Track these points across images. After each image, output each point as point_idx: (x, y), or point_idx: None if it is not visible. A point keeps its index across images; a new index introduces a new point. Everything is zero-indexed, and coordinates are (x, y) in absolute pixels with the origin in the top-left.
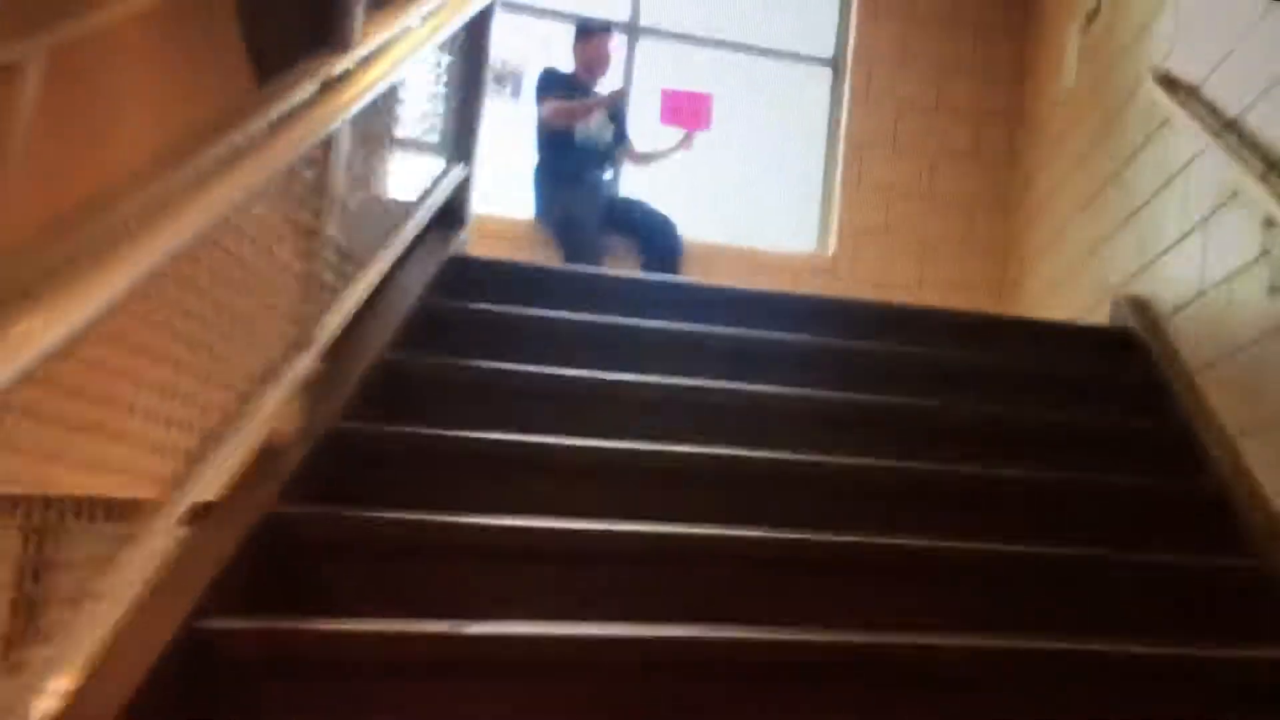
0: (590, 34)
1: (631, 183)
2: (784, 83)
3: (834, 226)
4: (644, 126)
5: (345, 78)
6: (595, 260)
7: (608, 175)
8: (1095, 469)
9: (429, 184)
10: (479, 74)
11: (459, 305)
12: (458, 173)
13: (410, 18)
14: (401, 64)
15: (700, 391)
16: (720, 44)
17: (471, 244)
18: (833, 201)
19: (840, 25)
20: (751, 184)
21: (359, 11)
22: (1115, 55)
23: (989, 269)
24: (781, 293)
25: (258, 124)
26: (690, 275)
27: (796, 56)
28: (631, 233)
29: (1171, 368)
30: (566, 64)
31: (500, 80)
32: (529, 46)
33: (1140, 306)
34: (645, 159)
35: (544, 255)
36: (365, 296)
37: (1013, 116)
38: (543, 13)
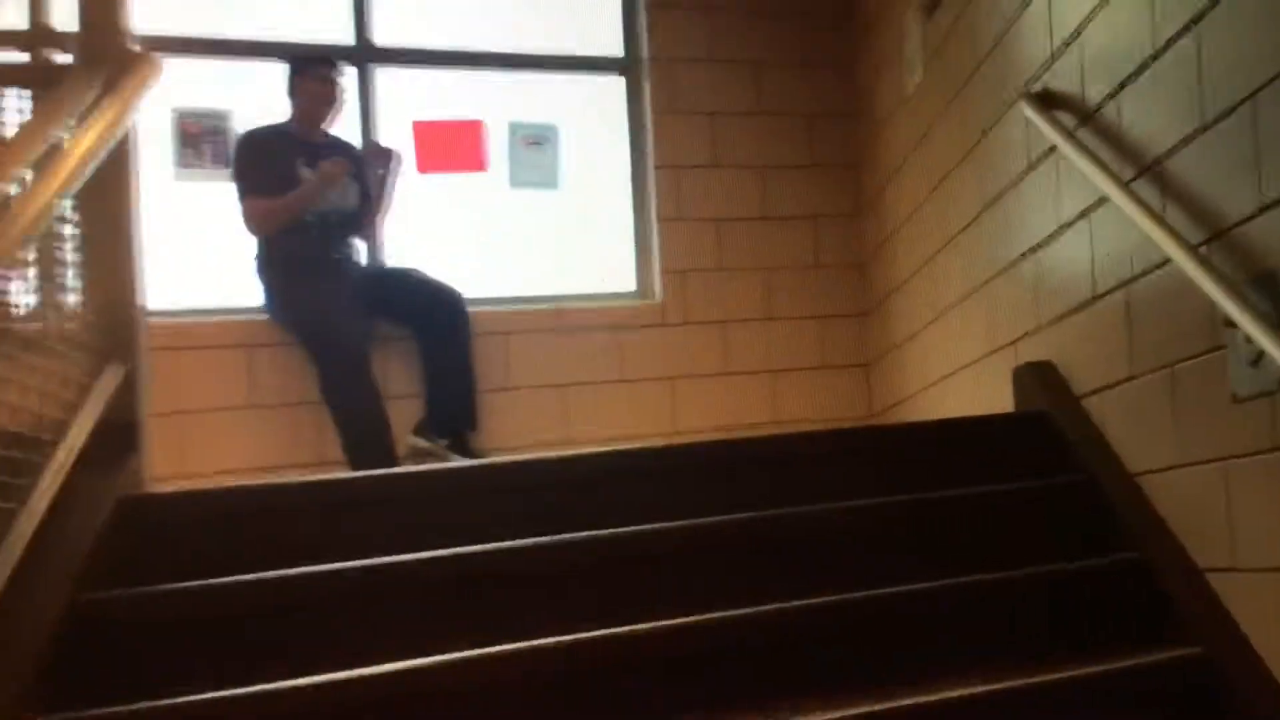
0: (304, 72)
1: (399, 248)
2: (570, 99)
3: (655, 264)
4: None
5: None
6: (357, 359)
7: (355, 247)
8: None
9: (67, 405)
10: (124, 224)
11: (130, 596)
12: (113, 375)
13: None
14: None
15: None
16: (478, 58)
17: (186, 358)
18: (650, 235)
19: (627, 20)
20: (549, 224)
21: None
22: (971, 58)
23: (844, 294)
24: (591, 455)
25: None
26: (489, 351)
27: (577, 62)
28: (404, 313)
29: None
30: (282, 114)
31: (197, 142)
32: (236, 91)
33: (1050, 379)
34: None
35: (286, 358)
36: None
37: (849, 115)
38: (237, 48)
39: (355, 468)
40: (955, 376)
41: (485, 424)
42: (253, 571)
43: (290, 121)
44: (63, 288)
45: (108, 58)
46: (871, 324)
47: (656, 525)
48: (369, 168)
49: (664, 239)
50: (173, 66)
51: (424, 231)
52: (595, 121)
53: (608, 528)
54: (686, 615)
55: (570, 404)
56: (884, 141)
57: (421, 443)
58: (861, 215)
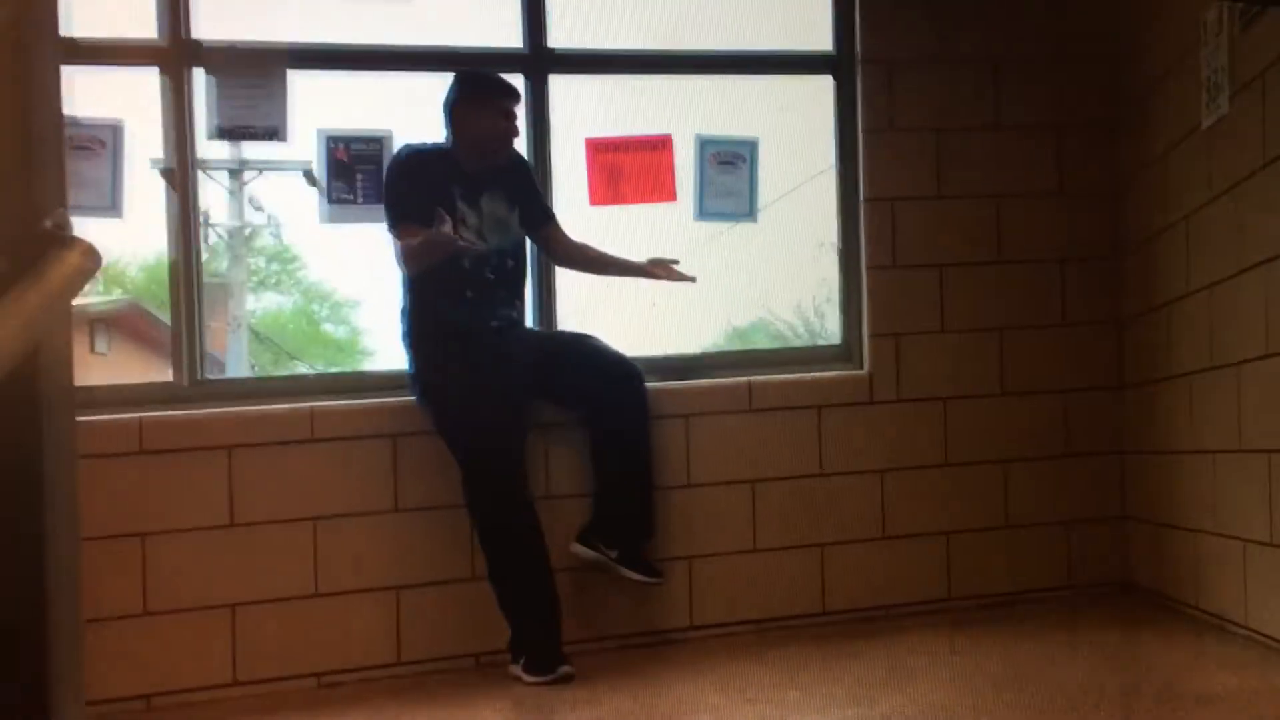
0: (481, 100)
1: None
2: (772, 106)
3: (864, 321)
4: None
5: None
6: (510, 473)
7: (520, 307)
8: None
9: None
10: None
11: None
12: None
13: None
14: None
15: None
16: (662, 61)
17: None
18: (859, 282)
19: (839, 16)
20: (739, 265)
21: None
22: None
23: (1098, 362)
24: None
25: None
26: (666, 437)
27: (779, 61)
28: (572, 395)
29: None
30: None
31: (349, 173)
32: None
33: None
34: (598, 264)
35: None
36: None
37: (1109, 129)
38: (394, 59)
39: (501, 602)
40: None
41: (661, 526)
42: None
43: (454, 147)
44: None
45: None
46: (1131, 402)
47: None
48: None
49: (874, 285)
50: (321, 81)
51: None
52: (798, 139)
53: None
54: None
55: (761, 504)
56: (1165, 179)
57: (587, 553)
58: (1123, 255)
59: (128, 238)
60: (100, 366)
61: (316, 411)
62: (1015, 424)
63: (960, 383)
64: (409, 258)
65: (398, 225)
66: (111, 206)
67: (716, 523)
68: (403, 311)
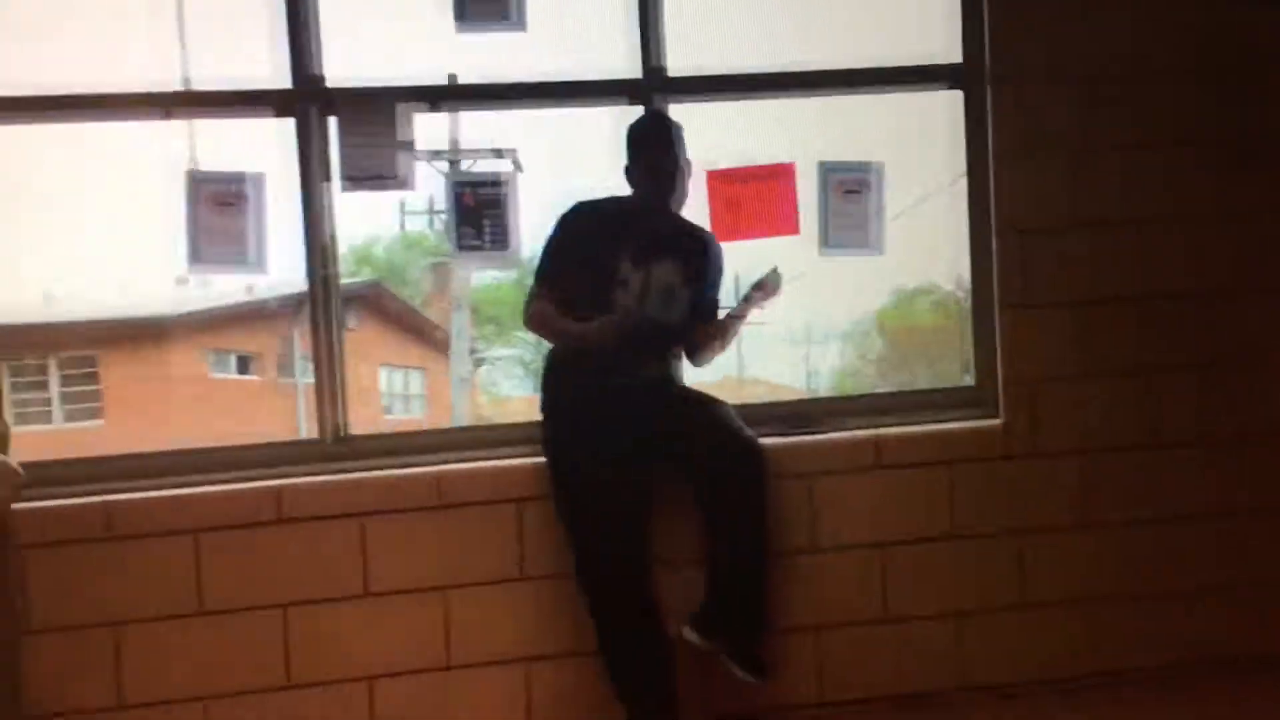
0: (631, 155)
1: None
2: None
3: (998, 365)
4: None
5: None
6: (623, 549)
7: (666, 364)
8: None
9: None
10: None
11: None
12: None
13: None
14: None
15: None
16: (787, 79)
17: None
18: (992, 321)
19: (970, 25)
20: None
21: None
22: None
23: (1266, 410)
24: None
25: None
26: (790, 497)
27: (904, 75)
28: (684, 466)
29: None
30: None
31: (476, 218)
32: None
33: None
34: (718, 337)
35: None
36: None
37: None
38: (503, 92)
39: (612, 679)
40: None
41: (786, 595)
42: None
43: (636, 196)
44: None
45: None
46: None
47: None
48: (715, 276)
49: (1007, 324)
50: (437, 122)
51: None
52: (923, 157)
53: None
54: None
55: (891, 569)
56: None
57: (695, 639)
58: None
59: (372, 217)
60: (349, 341)
61: (443, 476)
62: (1169, 478)
63: (1105, 434)
64: (542, 325)
65: (540, 283)
66: (256, 263)
67: (844, 589)
68: (545, 362)
